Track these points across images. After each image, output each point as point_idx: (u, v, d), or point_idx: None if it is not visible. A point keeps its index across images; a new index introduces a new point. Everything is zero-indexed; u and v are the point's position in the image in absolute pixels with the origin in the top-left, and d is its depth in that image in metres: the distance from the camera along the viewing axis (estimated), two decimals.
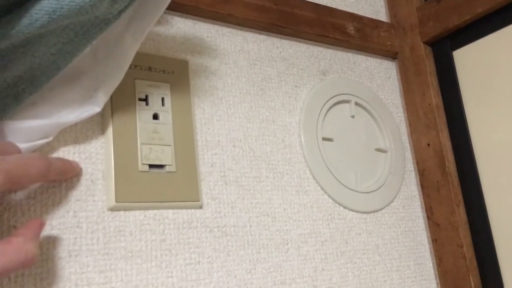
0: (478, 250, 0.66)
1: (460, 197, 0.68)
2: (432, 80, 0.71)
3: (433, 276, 0.69)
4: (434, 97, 0.71)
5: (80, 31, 0.39)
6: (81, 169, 0.46)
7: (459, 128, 0.70)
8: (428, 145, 0.71)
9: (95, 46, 0.45)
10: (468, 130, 0.69)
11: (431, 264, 0.70)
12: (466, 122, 0.69)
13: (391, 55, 0.77)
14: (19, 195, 0.42)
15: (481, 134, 0.68)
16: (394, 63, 0.78)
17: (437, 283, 0.69)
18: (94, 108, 0.45)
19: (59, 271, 0.43)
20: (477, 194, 0.67)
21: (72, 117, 0.43)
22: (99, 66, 0.45)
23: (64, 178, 0.44)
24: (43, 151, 0.44)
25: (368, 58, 0.75)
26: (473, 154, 0.68)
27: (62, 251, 0.43)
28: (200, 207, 0.52)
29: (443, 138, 0.70)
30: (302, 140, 0.63)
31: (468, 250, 0.66)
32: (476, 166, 0.68)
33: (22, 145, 0.41)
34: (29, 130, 0.41)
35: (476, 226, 0.67)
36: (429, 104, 0.71)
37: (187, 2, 0.56)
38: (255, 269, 0.54)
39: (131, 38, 0.45)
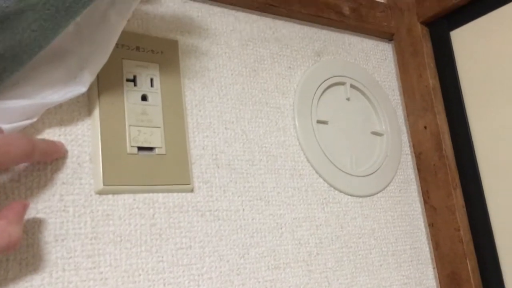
0: (475, 233, 0.65)
1: (457, 180, 0.67)
2: (429, 61, 0.70)
3: (430, 260, 0.68)
4: (431, 79, 0.69)
5: (61, 7, 0.37)
6: (66, 151, 0.44)
7: (456, 110, 0.68)
8: (425, 127, 0.69)
9: (79, 24, 0.43)
10: (466, 112, 0.68)
11: (427, 248, 0.69)
12: (464, 104, 0.68)
13: (387, 36, 0.75)
14: (2, 177, 0.41)
15: (479, 116, 0.66)
16: (390, 44, 0.77)
17: (433, 267, 0.68)
18: (79, 89, 0.43)
19: (45, 256, 0.41)
20: (474, 177, 0.66)
21: (56, 97, 0.42)
22: (83, 44, 0.43)
23: (49, 159, 0.43)
24: (27, 133, 0.43)
25: (364, 39, 0.74)
26: (471, 136, 0.67)
27: (48, 236, 0.42)
28: (191, 191, 0.51)
29: (440, 120, 0.68)
30: (296, 122, 0.61)
31: (465, 233, 0.65)
32: (474, 149, 0.66)
33: (5, 126, 0.40)
34: (11, 110, 0.40)
35: (473, 209, 0.66)
36: (426, 86, 0.69)
37: None
38: (248, 253, 0.53)
39: (116, 15, 0.43)
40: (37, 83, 0.41)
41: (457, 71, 0.69)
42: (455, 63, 0.69)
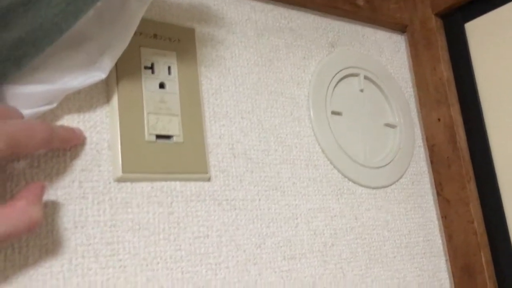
0: (489, 226, 0.65)
1: (471, 173, 0.66)
2: (443, 53, 0.70)
3: (442, 252, 0.68)
4: (445, 71, 0.69)
5: None
6: (85, 138, 0.44)
7: (470, 102, 0.68)
8: (439, 120, 0.69)
9: (100, 10, 0.43)
10: (480, 105, 0.67)
11: (440, 241, 0.69)
12: (478, 96, 0.67)
13: (401, 28, 0.75)
14: (22, 163, 0.41)
15: (494, 108, 0.66)
16: (403, 36, 0.76)
17: (446, 260, 0.68)
18: (99, 74, 0.43)
19: (65, 242, 0.41)
20: (488, 169, 0.66)
21: (76, 83, 0.42)
22: (104, 30, 0.43)
23: (68, 145, 0.42)
24: (46, 119, 0.43)
25: (377, 30, 0.73)
26: (485, 129, 0.66)
27: (68, 222, 0.42)
28: (209, 180, 0.51)
29: (454, 112, 0.68)
30: (311, 113, 0.61)
31: (479, 226, 0.65)
32: (488, 141, 0.66)
33: (25, 111, 0.39)
34: (31, 95, 0.40)
35: (487, 201, 0.65)
36: (440, 78, 0.69)
37: None
38: (264, 243, 0.52)
39: (136, 1, 0.43)
40: (57, 69, 0.41)
41: (471, 64, 0.68)
42: (470, 55, 0.68)
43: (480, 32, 0.68)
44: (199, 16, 0.55)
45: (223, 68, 0.56)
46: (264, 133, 0.57)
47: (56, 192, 0.42)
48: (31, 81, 0.40)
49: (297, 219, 0.56)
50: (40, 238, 0.40)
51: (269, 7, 0.62)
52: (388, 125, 0.69)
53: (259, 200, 0.54)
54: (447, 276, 0.67)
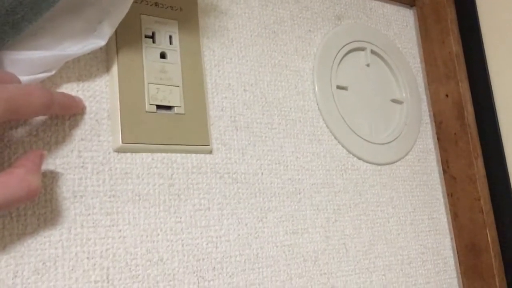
0: (496, 203, 0.64)
1: (479, 149, 0.65)
2: (452, 27, 0.68)
3: (448, 230, 0.67)
4: (455, 45, 0.67)
5: None
6: (85, 107, 0.43)
7: (480, 78, 0.66)
8: (447, 96, 0.68)
9: None
10: (490, 80, 0.66)
11: (445, 219, 0.68)
12: (488, 71, 0.66)
13: (409, 2, 0.73)
14: (20, 131, 0.40)
15: (503, 84, 0.65)
16: (412, 10, 0.74)
17: (451, 238, 0.67)
18: (98, 42, 0.42)
19: (63, 212, 0.41)
20: (496, 146, 0.64)
21: (75, 50, 0.41)
22: None
23: (67, 113, 0.42)
24: (45, 86, 0.42)
25: (385, 4, 0.71)
26: (494, 105, 0.65)
27: (67, 192, 0.41)
28: (210, 152, 0.50)
29: (462, 88, 0.66)
30: (316, 87, 0.60)
31: (485, 203, 0.64)
32: (497, 118, 0.65)
33: (23, 78, 0.39)
34: (29, 61, 0.39)
35: (494, 179, 0.64)
36: (449, 52, 0.67)
37: None
38: (266, 217, 0.52)
39: None
40: (56, 35, 0.40)
41: (481, 37, 0.66)
42: (480, 29, 0.67)
43: (491, 4, 0.66)
44: None
45: (226, 39, 0.54)
46: (268, 106, 0.56)
47: (54, 161, 0.41)
48: (29, 47, 0.39)
49: (299, 194, 0.55)
50: (39, 207, 0.40)
51: None
52: (394, 100, 0.68)
53: (261, 174, 0.53)
54: (452, 254, 0.67)
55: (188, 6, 0.51)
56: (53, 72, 0.41)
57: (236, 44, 0.55)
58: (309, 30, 0.62)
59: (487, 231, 0.62)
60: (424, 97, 0.71)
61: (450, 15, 0.68)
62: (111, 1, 0.42)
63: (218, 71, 0.53)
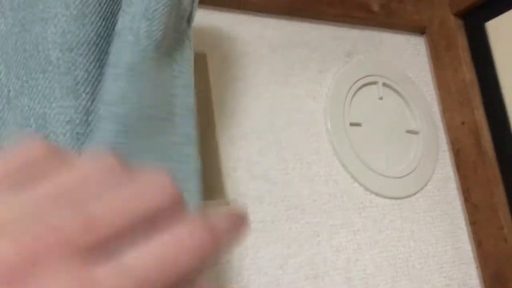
0: None
1: (499, 177, 0.65)
2: (464, 54, 0.67)
3: (472, 259, 0.67)
4: (467, 73, 0.67)
5: None
6: None
7: (495, 104, 0.66)
8: (463, 123, 0.67)
9: None
10: (505, 106, 0.65)
11: (469, 248, 0.67)
12: (503, 97, 0.65)
13: (419, 30, 0.73)
14: None
15: None
16: (422, 38, 0.74)
17: (476, 267, 0.66)
18: None
19: None
20: None
21: None
22: None
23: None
24: None
25: (395, 35, 0.72)
26: (511, 130, 0.64)
27: None
28: (227, 204, 0.51)
29: (478, 115, 0.66)
30: (329, 127, 0.60)
31: (509, 232, 0.63)
32: None
33: None
34: None
35: None
36: (462, 80, 0.67)
37: None
38: (286, 264, 0.52)
39: None
40: None
41: (494, 63, 0.66)
42: (492, 55, 0.66)
43: (502, 30, 0.65)
44: (211, 39, 0.55)
45: (237, 89, 0.55)
46: (282, 151, 0.56)
47: None
48: None
49: (318, 236, 0.56)
50: None
51: (282, 22, 0.61)
52: (410, 131, 0.68)
53: (279, 220, 0.54)
54: (478, 283, 0.66)
55: (198, 62, 0.52)
56: None
57: (248, 93, 0.56)
58: (319, 71, 0.62)
59: None
60: (440, 124, 0.71)
61: (461, 42, 0.68)
62: None
63: (232, 121, 0.54)
